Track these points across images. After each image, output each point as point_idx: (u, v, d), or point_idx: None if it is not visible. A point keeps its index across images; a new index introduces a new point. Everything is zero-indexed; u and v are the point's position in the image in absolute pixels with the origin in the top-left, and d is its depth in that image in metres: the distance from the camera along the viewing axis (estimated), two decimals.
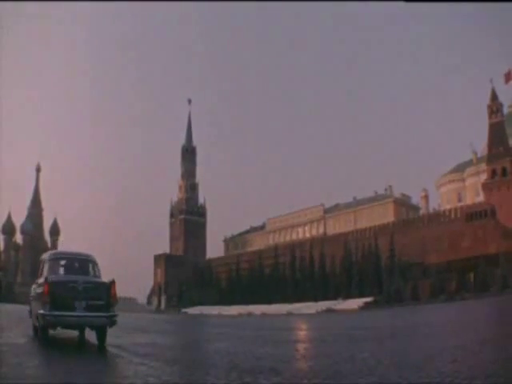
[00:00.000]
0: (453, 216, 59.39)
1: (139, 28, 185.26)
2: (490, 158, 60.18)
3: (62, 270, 8.14)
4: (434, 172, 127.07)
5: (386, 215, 74.40)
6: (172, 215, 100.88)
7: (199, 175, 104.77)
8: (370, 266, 58.60)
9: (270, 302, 60.04)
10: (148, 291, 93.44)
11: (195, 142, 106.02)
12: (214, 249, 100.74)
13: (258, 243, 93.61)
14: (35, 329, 8.39)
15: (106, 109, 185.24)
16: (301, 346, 9.62)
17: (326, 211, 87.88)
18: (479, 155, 72.77)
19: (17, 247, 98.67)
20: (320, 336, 13.77)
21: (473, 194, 69.81)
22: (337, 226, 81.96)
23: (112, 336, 11.30)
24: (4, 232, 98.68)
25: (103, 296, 7.42)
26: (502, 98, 63.21)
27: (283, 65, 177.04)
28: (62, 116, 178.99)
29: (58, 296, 7.05)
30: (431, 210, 72.61)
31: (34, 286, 8.58)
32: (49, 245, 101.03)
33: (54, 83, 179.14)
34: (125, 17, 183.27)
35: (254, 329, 18.15)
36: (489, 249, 48.43)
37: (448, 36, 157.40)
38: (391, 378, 4.88)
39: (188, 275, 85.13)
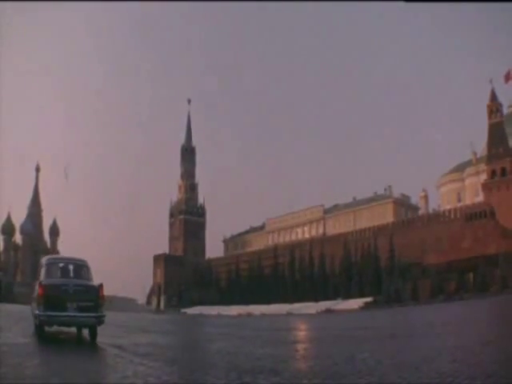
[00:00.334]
0: (452, 216, 59.43)
1: (139, 28, 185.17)
2: (490, 158, 60.20)
3: (57, 274, 8.66)
4: (434, 172, 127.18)
5: (386, 215, 74.42)
6: (171, 215, 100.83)
7: (199, 175, 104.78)
8: (370, 267, 58.68)
9: (269, 302, 60.10)
10: (147, 291, 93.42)
11: (195, 142, 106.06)
12: (214, 249, 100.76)
13: (257, 243, 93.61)
14: (36, 327, 8.87)
15: (106, 109, 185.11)
16: (300, 347, 9.63)
17: (326, 211, 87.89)
18: (479, 155, 72.77)
19: (16, 247, 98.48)
20: (320, 336, 13.78)
21: (472, 194, 69.82)
22: (336, 227, 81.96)
23: (112, 336, 11.32)
24: (3, 232, 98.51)
25: (92, 298, 8.14)
26: (501, 99, 63.31)
27: (283, 65, 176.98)
28: (61, 116, 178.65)
29: (52, 298, 7.78)
30: (431, 211, 72.62)
31: (35, 288, 9.05)
32: (48, 245, 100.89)
33: (54, 83, 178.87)
34: (125, 17, 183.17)
35: (254, 329, 18.15)
36: (488, 249, 48.43)
37: (448, 36, 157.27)
38: (391, 378, 4.88)
39: (187, 275, 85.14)
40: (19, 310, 26.61)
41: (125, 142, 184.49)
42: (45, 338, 8.53)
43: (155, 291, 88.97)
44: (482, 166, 65.34)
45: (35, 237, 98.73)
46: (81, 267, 9.02)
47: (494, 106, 61.98)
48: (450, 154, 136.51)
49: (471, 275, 49.82)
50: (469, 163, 75.15)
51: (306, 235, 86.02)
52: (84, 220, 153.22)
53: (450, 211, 61.36)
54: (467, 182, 73.81)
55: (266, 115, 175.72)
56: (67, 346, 8.70)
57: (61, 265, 9.00)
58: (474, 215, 55.41)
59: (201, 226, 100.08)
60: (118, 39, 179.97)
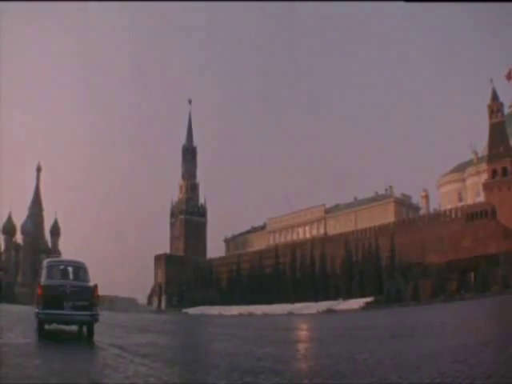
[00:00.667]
0: (453, 216, 59.34)
1: (139, 28, 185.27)
2: (491, 157, 60.13)
3: (56, 276, 9.24)
4: (435, 172, 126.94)
5: (387, 215, 74.34)
6: (172, 215, 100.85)
7: (200, 175, 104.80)
8: (371, 266, 58.66)
9: (270, 302, 60.04)
10: (148, 291, 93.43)
11: (196, 142, 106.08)
12: (215, 249, 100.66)
13: (258, 243, 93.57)
14: (37, 325, 9.35)
15: (107, 109, 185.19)
16: (301, 346, 9.63)
17: (327, 211, 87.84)
18: (480, 155, 72.68)
19: (17, 247, 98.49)
20: (320, 336, 13.78)
21: (473, 194, 69.75)
22: (337, 226, 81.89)
23: (113, 336, 11.35)
24: (4, 232, 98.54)
25: (87, 298, 8.77)
26: (502, 98, 63.24)
27: (284, 65, 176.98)
28: (62, 116, 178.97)
29: (50, 297, 8.40)
30: (432, 210, 72.51)
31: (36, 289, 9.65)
32: (49, 245, 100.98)
33: (54, 83, 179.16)
34: (125, 17, 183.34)
35: (255, 329, 18.16)
36: (489, 249, 48.41)
37: (448, 36, 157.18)
38: (392, 378, 4.88)
39: (188, 275, 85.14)
40: (20, 311, 26.68)
41: (126, 141, 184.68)
42: (45, 335, 8.93)
43: (156, 291, 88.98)
44: (483, 166, 65.28)
45: (36, 237, 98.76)
46: (79, 269, 9.58)
47: (495, 106, 61.91)
48: (450, 153, 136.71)
49: (472, 275, 49.78)
50: (470, 163, 75.08)
51: (307, 235, 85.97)
52: (85, 219, 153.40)
53: (450, 211, 61.29)
54: (468, 181, 73.74)
55: (266, 115, 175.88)
56: (68, 346, 8.71)
57: (61, 267, 9.64)
58: (474, 215, 55.36)
59: (202, 226, 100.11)
60: (118, 39, 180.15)
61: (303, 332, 16.27)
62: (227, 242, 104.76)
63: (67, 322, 9.21)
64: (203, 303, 70.87)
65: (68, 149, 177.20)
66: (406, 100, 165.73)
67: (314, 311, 46.43)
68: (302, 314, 41.91)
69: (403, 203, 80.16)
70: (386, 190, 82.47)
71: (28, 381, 4.70)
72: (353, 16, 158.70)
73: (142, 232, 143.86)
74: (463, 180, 74.89)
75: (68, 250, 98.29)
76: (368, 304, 49.19)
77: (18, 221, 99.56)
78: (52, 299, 8.40)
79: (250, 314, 45.93)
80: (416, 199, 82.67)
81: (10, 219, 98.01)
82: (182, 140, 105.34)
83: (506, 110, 67.04)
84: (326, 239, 73.66)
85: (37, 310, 8.50)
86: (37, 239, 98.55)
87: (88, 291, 8.90)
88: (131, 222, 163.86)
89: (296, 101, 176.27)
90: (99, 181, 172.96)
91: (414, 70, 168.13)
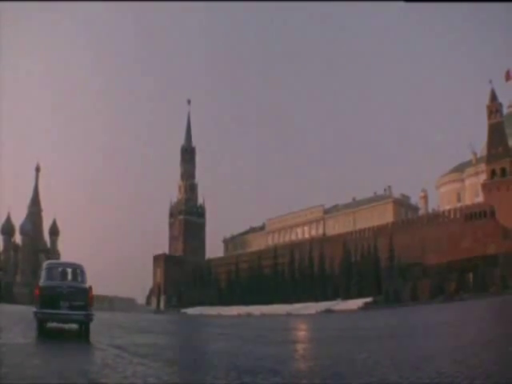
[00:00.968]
0: (452, 216, 59.42)
1: (139, 28, 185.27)
2: (490, 158, 60.20)
3: (54, 277, 9.72)
4: (434, 172, 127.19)
5: (386, 216, 74.40)
6: (171, 215, 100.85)
7: (198, 176, 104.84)
8: (370, 267, 58.67)
9: (269, 302, 60.02)
10: (147, 291, 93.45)
11: (194, 142, 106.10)
12: (214, 249, 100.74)
13: (257, 244, 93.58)
14: (37, 324, 9.74)
15: (106, 109, 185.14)
16: (300, 347, 9.63)
17: (326, 212, 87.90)
18: (479, 155, 72.77)
19: (16, 247, 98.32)
20: (319, 336, 13.79)
21: (472, 194, 69.82)
22: (336, 227, 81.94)
23: (112, 336, 11.35)
24: (3, 232, 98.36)
25: (83, 298, 9.22)
26: (501, 99, 63.35)
27: (284, 65, 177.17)
28: (61, 116, 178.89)
29: (47, 297, 8.90)
30: (430, 211, 72.59)
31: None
32: (48, 245, 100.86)
33: (54, 83, 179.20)
34: (125, 17, 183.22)
35: (254, 329, 18.16)
36: (488, 249, 48.46)
37: (448, 36, 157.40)
38: (391, 378, 4.88)
39: (187, 276, 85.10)
40: (19, 311, 26.63)
41: (125, 142, 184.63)
42: (45, 333, 9.27)
43: (155, 291, 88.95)
44: (482, 167, 65.36)
45: (35, 237, 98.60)
46: (76, 271, 10.08)
47: (494, 107, 62.00)
48: (449, 154, 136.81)
49: (471, 275, 49.81)
50: (468, 163, 75.16)
51: (306, 235, 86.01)
52: (84, 220, 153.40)
53: (449, 211, 61.36)
54: (467, 182, 73.81)
55: (265, 115, 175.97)
56: (67, 346, 8.71)
57: (59, 269, 10.15)
58: (473, 215, 55.43)
59: (200, 227, 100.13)
60: (118, 39, 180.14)
61: (302, 332, 16.27)
62: (226, 242, 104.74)
63: (64, 321, 9.72)
64: (202, 303, 70.85)
65: (67, 149, 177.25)
66: (405, 100, 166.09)
67: (312, 311, 46.47)
68: (301, 315, 41.91)
69: (402, 203, 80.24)
70: (384, 190, 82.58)
71: (28, 381, 4.70)
72: (353, 16, 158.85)
73: (140, 232, 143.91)
74: (462, 180, 74.96)
75: (67, 250, 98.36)
76: (367, 304, 49.23)
77: (17, 221, 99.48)
78: (49, 299, 8.87)
79: (249, 315, 45.94)
80: (415, 199, 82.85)
81: (8, 219, 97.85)
82: (181, 140, 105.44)
83: (505, 111, 67.14)
84: (324, 240, 73.69)
85: (35, 310, 8.94)
86: (36, 239, 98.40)
87: (83, 292, 9.34)
88: (130, 222, 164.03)
89: (295, 100, 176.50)
90: (98, 181, 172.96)
91: (413, 69, 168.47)
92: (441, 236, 55.62)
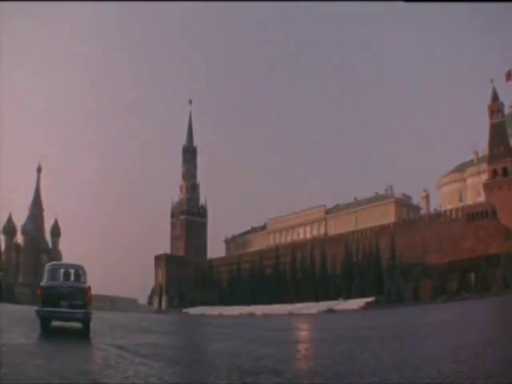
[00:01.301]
0: (454, 216, 59.35)
1: (140, 28, 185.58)
2: (491, 158, 60.12)
3: (56, 278, 10.35)
4: (435, 172, 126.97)
5: (387, 215, 74.36)
6: (173, 215, 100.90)
7: (200, 175, 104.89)
8: (371, 267, 58.64)
9: (271, 302, 60.05)
10: (149, 292, 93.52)
11: (196, 142, 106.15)
12: (215, 249, 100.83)
13: (259, 243, 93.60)
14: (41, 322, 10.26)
15: (107, 109, 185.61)
16: (302, 347, 9.63)
17: (327, 212, 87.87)
18: (480, 155, 72.69)
19: (18, 248, 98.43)
20: (321, 336, 13.77)
21: (474, 194, 69.73)
22: (338, 227, 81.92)
23: (114, 336, 11.36)
24: (5, 233, 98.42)
25: (82, 297, 9.73)
26: (502, 99, 63.26)
27: (284, 65, 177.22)
28: (62, 116, 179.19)
29: (48, 297, 9.44)
30: (432, 211, 72.53)
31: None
32: (49, 245, 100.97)
33: (55, 83, 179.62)
34: (125, 17, 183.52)
35: (255, 329, 18.15)
36: (490, 249, 48.37)
37: (448, 36, 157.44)
38: (392, 378, 4.87)
39: (189, 275, 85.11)
40: (20, 311, 26.64)
41: (126, 142, 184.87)
42: (49, 332, 9.79)
43: (156, 291, 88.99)
44: (484, 166, 65.28)
45: (36, 237, 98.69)
46: (77, 272, 10.66)
47: (496, 106, 61.92)
48: (451, 154, 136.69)
49: (473, 275, 49.76)
50: (470, 163, 75.07)
51: (308, 235, 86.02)
52: (85, 220, 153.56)
53: (451, 211, 61.29)
54: (469, 181, 73.72)
55: (266, 115, 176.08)
56: (69, 346, 8.72)
57: (61, 270, 10.76)
58: (475, 215, 55.34)
59: (202, 226, 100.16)
60: (119, 39, 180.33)
61: (303, 332, 16.26)
62: (227, 242, 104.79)
63: (64, 319, 10.24)
64: (204, 303, 70.88)
65: (68, 149, 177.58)
66: (406, 100, 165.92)
67: (314, 311, 46.44)
68: (303, 314, 41.89)
69: (404, 203, 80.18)
70: (386, 190, 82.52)
71: (28, 381, 4.70)
72: (352, 16, 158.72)
73: (142, 232, 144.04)
74: (464, 180, 74.86)
75: (68, 250, 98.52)
76: (368, 304, 49.20)
77: (19, 221, 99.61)
78: (50, 298, 9.41)
79: (251, 315, 45.93)
80: (416, 199, 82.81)
81: (10, 220, 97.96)
82: (183, 140, 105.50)
83: (507, 111, 67.03)
84: (326, 239, 73.70)
85: (36, 308, 9.53)
86: (37, 240, 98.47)
87: (82, 292, 9.87)
88: (132, 223, 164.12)
89: (296, 100, 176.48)
90: (99, 181, 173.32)
91: (413, 69, 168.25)
92: (442, 236, 55.57)
